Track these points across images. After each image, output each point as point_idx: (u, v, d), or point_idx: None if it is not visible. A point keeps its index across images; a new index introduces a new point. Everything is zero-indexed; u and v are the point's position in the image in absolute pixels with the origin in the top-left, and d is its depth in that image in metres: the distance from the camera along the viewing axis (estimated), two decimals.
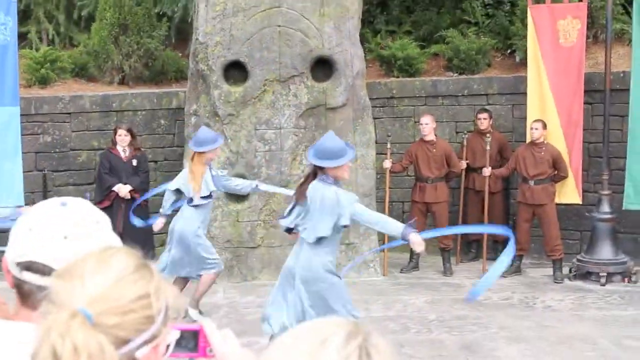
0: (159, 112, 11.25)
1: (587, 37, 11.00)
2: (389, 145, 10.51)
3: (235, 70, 10.22)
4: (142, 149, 10.47)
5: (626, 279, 9.73)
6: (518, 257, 10.25)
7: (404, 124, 11.66)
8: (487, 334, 7.85)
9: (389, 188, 10.60)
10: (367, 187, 10.26)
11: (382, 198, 10.62)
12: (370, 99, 10.65)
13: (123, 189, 9.71)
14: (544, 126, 10.10)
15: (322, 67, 10.32)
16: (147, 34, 12.12)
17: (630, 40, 11.28)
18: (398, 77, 12.01)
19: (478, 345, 7.54)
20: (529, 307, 8.82)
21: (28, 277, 1.80)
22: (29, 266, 1.79)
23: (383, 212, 10.30)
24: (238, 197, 10.07)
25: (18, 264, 1.80)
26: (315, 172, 6.34)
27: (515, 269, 10.17)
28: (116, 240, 1.91)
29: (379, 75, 12.20)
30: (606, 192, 9.99)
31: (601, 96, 10.34)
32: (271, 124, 10.19)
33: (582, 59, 10.43)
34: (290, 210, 6.64)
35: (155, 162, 11.08)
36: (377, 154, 10.53)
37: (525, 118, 10.69)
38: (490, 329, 7.97)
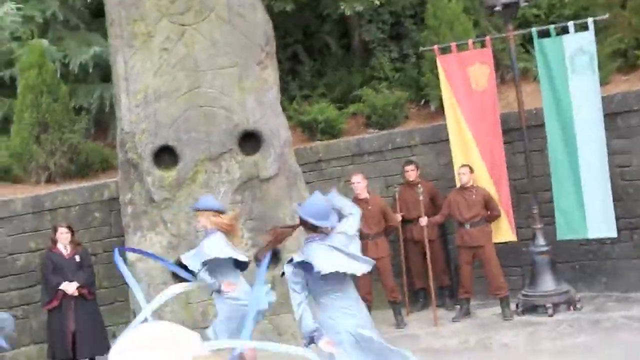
0: (92, 205, 11.22)
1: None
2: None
3: (165, 155, 10.32)
4: (82, 244, 10.41)
5: (571, 307, 10.08)
6: (465, 300, 10.53)
7: (333, 185, 11.87)
8: None
9: None
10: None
11: None
12: (298, 164, 10.86)
13: (70, 287, 9.62)
14: (471, 170, 10.48)
15: (250, 140, 10.50)
16: (68, 129, 12.12)
17: (534, 77, 11.86)
18: (322, 140, 12.28)
19: None
20: (487, 348, 9.05)
21: None
22: None
23: None
24: (184, 280, 10.08)
25: None
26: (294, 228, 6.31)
27: (465, 312, 10.44)
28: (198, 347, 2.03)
29: (302, 140, 12.45)
30: (539, 225, 10.38)
31: (519, 134, 10.78)
32: None
33: (496, 102, 10.89)
34: None
35: (95, 254, 11.01)
36: None
37: (450, 164, 11.06)
38: None
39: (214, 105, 10.33)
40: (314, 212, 6.10)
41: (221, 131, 10.32)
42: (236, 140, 10.41)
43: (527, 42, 12.40)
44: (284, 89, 13.46)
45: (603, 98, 10.22)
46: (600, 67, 10.39)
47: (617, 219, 10.09)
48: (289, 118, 12.58)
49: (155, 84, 10.24)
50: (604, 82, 10.73)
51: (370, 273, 10.54)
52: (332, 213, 6.17)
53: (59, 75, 12.58)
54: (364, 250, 10.51)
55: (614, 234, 10.07)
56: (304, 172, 11.07)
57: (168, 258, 10.20)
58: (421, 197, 10.57)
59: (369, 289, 10.63)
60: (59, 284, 9.68)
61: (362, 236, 10.48)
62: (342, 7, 12.54)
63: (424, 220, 10.54)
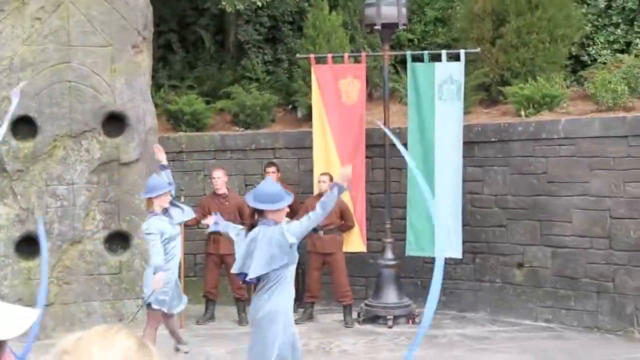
0: None
1: None
2: (182, 199, 10.64)
3: (24, 126, 10.02)
4: None
5: (410, 321, 10.44)
6: (310, 304, 10.71)
7: (193, 178, 11.87)
8: None
9: (184, 241, 10.71)
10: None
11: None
12: None
13: None
14: (331, 179, 10.66)
15: (114, 122, 10.34)
16: None
17: (401, 98, 12.22)
18: (186, 131, 12.22)
19: None
20: (326, 352, 9.24)
21: None
22: None
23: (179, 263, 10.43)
24: (29, 254, 9.83)
25: None
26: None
27: (308, 316, 10.62)
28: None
29: (166, 129, 12.34)
30: (389, 240, 10.70)
31: (380, 150, 11.08)
32: (62, 180, 10.05)
33: (363, 116, 11.15)
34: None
35: None
36: None
37: (310, 171, 11.23)
38: None
39: (83, 83, 10.13)
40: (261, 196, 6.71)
41: (86, 110, 10.13)
42: (100, 121, 10.23)
43: (398, 64, 12.76)
44: (152, 77, 13.28)
45: (464, 127, 10.65)
46: (464, 98, 10.82)
47: (463, 242, 10.52)
48: (155, 106, 12.44)
49: (24, 52, 9.94)
50: (466, 111, 11.16)
51: (219, 269, 10.66)
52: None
53: None
54: (217, 245, 10.57)
55: (458, 255, 10.48)
56: None
57: (14, 231, 9.91)
58: None
59: (216, 283, 10.69)
60: None
61: (216, 231, 10.57)
62: (223, 3, 12.54)
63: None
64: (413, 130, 10.82)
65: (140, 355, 1.65)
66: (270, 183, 7.04)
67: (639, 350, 9.13)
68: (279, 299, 6.64)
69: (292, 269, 6.78)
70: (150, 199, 8.38)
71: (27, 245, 9.84)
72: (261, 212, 6.71)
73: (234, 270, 7.04)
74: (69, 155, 10.09)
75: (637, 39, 12.55)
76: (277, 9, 13.99)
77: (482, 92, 12.21)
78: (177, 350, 8.94)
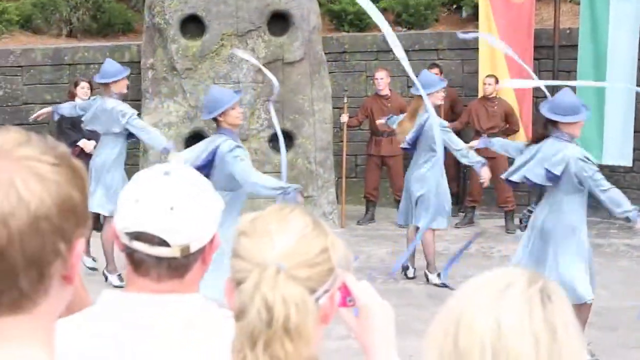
0: None
1: None
2: (345, 100, 10.65)
3: (193, 24, 10.21)
4: None
5: None
6: (471, 209, 10.60)
7: (356, 79, 11.81)
8: (451, 283, 8.12)
9: (347, 142, 10.77)
10: (325, 141, 10.41)
11: (339, 151, 10.78)
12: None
13: (88, 144, 9.45)
14: (497, 81, 10.38)
15: (279, 21, 10.37)
16: None
17: None
18: (349, 31, 12.13)
19: (445, 294, 7.78)
20: (487, 257, 9.16)
21: (138, 246, 1.84)
22: (138, 236, 1.84)
23: (340, 165, 10.53)
24: None
25: (128, 233, 1.85)
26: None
27: (468, 220, 10.52)
28: (222, 204, 1.98)
29: (330, 30, 12.29)
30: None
31: (549, 52, 10.67)
32: (229, 78, 10.22)
33: (532, 16, 10.74)
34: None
35: None
36: (333, 108, 10.68)
37: (475, 73, 10.96)
38: (454, 279, 8.24)
39: None
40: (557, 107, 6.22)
41: (252, 8, 10.18)
42: (265, 19, 10.28)
43: None
44: None
45: None
46: None
47: (634, 149, 10.07)
48: (320, 5, 12.40)
49: None
50: None
51: (379, 170, 10.65)
52: None
53: None
54: (378, 146, 10.55)
55: (629, 162, 10.06)
56: (327, 61, 10.97)
57: (183, 128, 10.22)
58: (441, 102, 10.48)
59: (376, 184, 10.71)
60: (78, 140, 9.44)
61: (378, 132, 10.57)
62: None
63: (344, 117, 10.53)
64: (585, 31, 10.32)
65: (316, 232, 1.66)
66: (568, 93, 6.38)
67: None
68: None
69: None
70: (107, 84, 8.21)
71: (196, 142, 10.10)
72: (555, 124, 6.24)
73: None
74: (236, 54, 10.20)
75: None
76: None
77: None
78: None
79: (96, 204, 7.93)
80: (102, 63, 10.99)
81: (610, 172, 10.67)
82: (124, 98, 8.65)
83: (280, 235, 1.64)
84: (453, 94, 11.13)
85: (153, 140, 8.11)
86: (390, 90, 10.76)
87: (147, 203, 1.85)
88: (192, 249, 1.86)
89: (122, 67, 8.55)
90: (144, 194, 1.86)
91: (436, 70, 11.02)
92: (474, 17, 11.37)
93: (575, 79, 10.46)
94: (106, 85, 8.30)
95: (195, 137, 10.17)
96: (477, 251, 9.36)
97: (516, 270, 1.56)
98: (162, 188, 1.87)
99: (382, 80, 10.63)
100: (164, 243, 1.83)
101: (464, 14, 12.35)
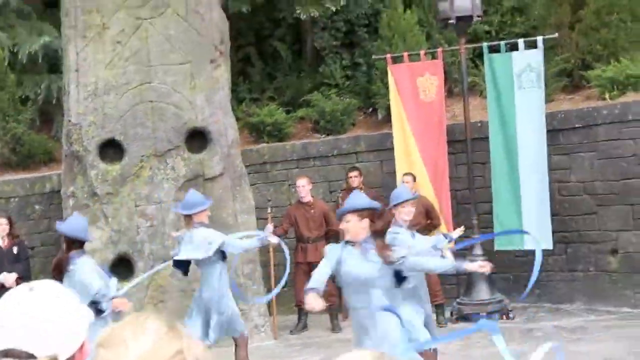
0: (33, 197, 11.16)
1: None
2: (269, 210, 10.74)
3: (111, 149, 10.29)
4: (20, 236, 10.30)
5: (504, 316, 10.29)
6: None
7: (278, 188, 11.98)
8: None
9: (274, 252, 10.80)
10: (251, 253, 10.43)
11: (266, 262, 10.81)
12: (244, 166, 10.90)
13: (9, 278, 9.40)
14: (414, 179, 10.61)
15: (197, 138, 10.52)
16: (12, 118, 12.03)
17: (481, 92, 12.08)
18: (268, 142, 12.35)
19: None
20: (420, 352, 9.15)
21: None
22: (7, 353, 1.90)
23: (268, 276, 10.53)
24: (122, 275, 10.04)
25: None
26: None
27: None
28: (88, 313, 2.04)
29: (249, 142, 12.51)
30: (477, 236, 10.56)
31: (462, 146, 10.97)
32: (151, 199, 10.27)
33: (443, 113, 11.08)
34: None
35: (32, 248, 10.92)
36: (257, 219, 10.76)
37: (394, 173, 11.20)
38: None
39: (164, 101, 10.33)
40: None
41: (169, 128, 10.33)
42: (183, 138, 10.42)
43: (476, 57, 12.62)
44: (233, 91, 13.48)
45: (546, 115, 10.48)
46: (546, 85, 10.64)
47: (553, 232, 10.32)
48: (237, 119, 12.60)
49: (106, 76, 10.21)
50: (548, 99, 10.98)
51: (307, 277, 10.66)
52: None
53: (6, 63, 12.47)
54: (304, 253, 10.62)
55: (549, 246, 10.29)
56: (249, 173, 11.13)
57: (108, 253, 10.17)
58: None
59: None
60: None
61: (304, 239, 10.67)
62: (298, 12, 12.63)
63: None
64: (494, 123, 10.70)
65: (170, 336, 1.72)
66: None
67: None
68: None
69: None
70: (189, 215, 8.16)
71: (121, 267, 10.07)
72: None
73: None
74: (156, 174, 10.30)
75: None
76: (351, 12, 14.00)
77: (564, 79, 11.97)
78: None
79: None
80: (22, 196, 11.06)
81: (533, 257, 10.89)
82: None
83: (135, 342, 1.72)
84: (373, 195, 11.30)
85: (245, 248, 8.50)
86: (312, 197, 10.91)
87: (11, 320, 1.91)
88: (61, 359, 1.92)
89: (204, 197, 8.38)
90: (8, 312, 1.93)
91: (356, 172, 11.21)
92: (388, 118, 11.68)
93: (489, 170, 10.77)
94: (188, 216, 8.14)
95: (121, 261, 10.16)
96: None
97: (364, 352, 1.68)
98: (26, 304, 1.94)
99: (304, 187, 10.79)
100: (31, 357, 1.89)
101: (380, 116, 12.68)
